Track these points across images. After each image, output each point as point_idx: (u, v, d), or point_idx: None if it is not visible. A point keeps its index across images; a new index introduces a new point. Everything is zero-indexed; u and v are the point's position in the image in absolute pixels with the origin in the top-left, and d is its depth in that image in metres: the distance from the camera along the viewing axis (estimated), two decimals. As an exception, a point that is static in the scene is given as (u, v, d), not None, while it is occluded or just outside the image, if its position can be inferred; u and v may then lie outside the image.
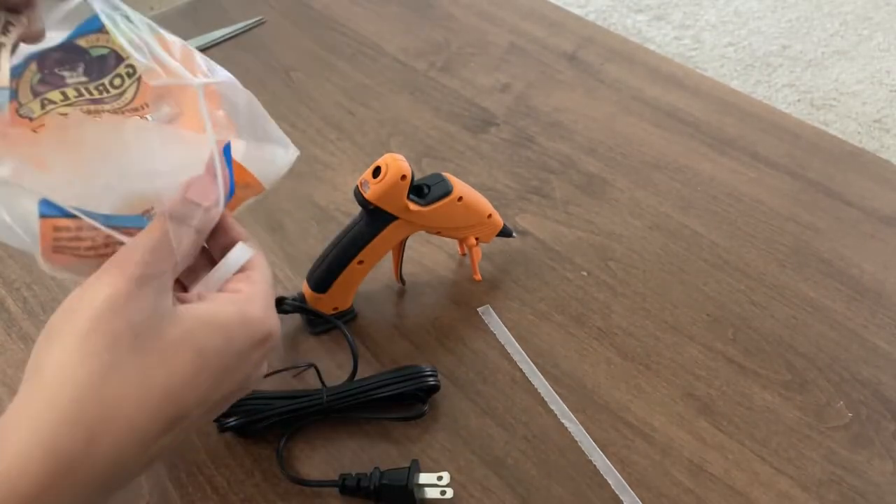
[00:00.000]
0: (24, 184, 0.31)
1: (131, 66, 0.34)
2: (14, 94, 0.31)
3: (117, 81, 0.34)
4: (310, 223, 0.61)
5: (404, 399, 0.47)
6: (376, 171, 0.47)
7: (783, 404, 0.49)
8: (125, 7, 0.33)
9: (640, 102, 0.73)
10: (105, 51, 0.33)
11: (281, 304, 0.50)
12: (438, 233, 0.53)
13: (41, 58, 0.32)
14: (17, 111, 0.32)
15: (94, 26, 0.33)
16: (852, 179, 0.64)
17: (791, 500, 0.44)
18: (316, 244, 0.58)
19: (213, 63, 0.36)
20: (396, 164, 0.46)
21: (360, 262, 0.50)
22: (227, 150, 0.36)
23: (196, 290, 0.36)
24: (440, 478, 0.44)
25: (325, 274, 0.50)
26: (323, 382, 0.48)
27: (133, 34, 0.33)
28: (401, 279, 0.55)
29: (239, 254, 0.36)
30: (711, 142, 0.68)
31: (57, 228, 0.32)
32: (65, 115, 0.33)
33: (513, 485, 0.45)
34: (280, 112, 0.72)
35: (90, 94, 0.33)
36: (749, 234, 0.60)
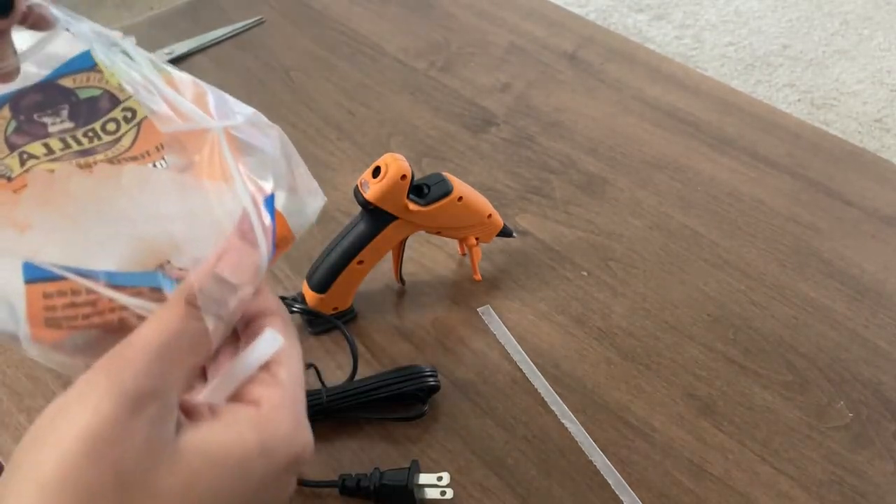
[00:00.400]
0: (1, 250, 0.26)
1: (130, 109, 0.29)
2: None
3: (111, 126, 0.29)
4: (310, 223, 0.61)
5: (404, 399, 0.47)
6: (376, 171, 0.47)
7: (784, 404, 0.49)
8: (124, 43, 0.29)
9: (640, 102, 0.73)
10: (97, 92, 0.29)
11: (281, 305, 0.50)
12: (438, 233, 0.52)
13: (15, 100, 0.28)
14: None
15: (85, 64, 0.29)
16: (853, 179, 0.64)
17: (791, 501, 0.44)
18: (316, 244, 0.58)
19: (229, 98, 0.30)
20: (396, 163, 0.46)
21: (360, 262, 0.50)
22: (269, 202, 0.28)
23: (206, 395, 0.27)
24: (440, 478, 0.44)
25: (325, 274, 0.50)
26: (323, 382, 0.48)
27: (135, 73, 0.29)
28: (401, 279, 0.55)
29: (266, 347, 0.28)
30: (712, 141, 0.68)
31: (47, 295, 0.26)
32: (51, 171, 0.28)
33: (513, 485, 0.44)
34: (280, 112, 0.72)
35: (79, 143, 0.28)
36: (749, 234, 0.60)
